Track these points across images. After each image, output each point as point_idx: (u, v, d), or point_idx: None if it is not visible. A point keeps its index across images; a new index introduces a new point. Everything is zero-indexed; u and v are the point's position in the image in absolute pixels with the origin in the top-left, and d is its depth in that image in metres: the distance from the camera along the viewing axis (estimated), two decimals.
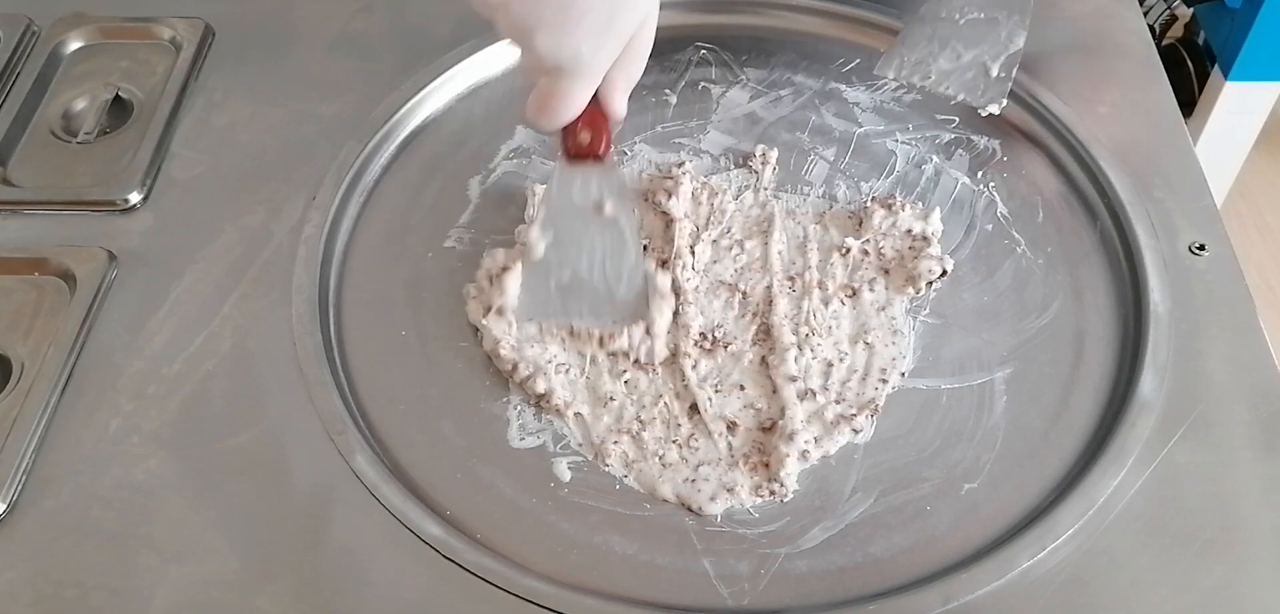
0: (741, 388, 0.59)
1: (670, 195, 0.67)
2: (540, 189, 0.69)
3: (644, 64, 0.54)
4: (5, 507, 0.54)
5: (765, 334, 0.61)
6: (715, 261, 0.65)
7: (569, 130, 0.54)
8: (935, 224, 0.66)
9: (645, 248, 0.65)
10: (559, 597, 0.50)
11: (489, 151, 0.72)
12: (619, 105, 0.54)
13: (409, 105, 0.74)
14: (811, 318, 0.62)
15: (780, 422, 0.57)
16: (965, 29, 0.72)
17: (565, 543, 0.53)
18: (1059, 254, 0.66)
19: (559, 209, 0.57)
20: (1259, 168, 1.69)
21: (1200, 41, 1.37)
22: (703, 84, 0.76)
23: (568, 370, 0.60)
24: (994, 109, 0.69)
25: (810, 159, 0.72)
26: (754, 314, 0.62)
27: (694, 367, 0.60)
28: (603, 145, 0.54)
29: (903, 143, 0.72)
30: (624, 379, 0.59)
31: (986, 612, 0.50)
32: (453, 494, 0.55)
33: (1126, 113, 0.73)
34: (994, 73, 0.70)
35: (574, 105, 0.52)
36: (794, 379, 0.59)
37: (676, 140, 0.73)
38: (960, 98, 0.70)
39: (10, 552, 0.52)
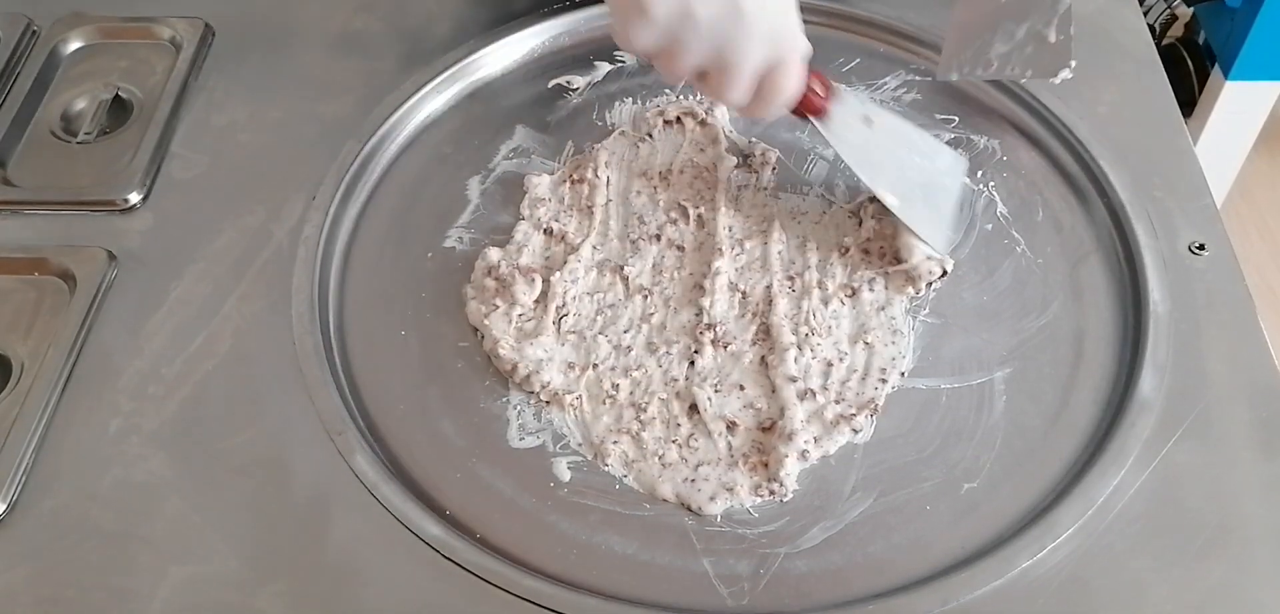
0: (741, 388, 0.59)
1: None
2: (537, 181, 0.69)
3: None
4: (5, 507, 0.54)
5: (765, 334, 0.61)
6: None
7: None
8: None
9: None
10: (559, 597, 0.50)
11: (489, 151, 0.72)
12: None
13: (409, 105, 0.74)
14: (811, 318, 0.62)
15: (780, 421, 0.57)
16: (1010, 5, 0.68)
17: (565, 543, 0.53)
18: (1059, 254, 0.66)
19: (863, 156, 0.64)
20: (1259, 168, 1.69)
21: (1200, 41, 1.37)
22: None
23: (572, 368, 0.60)
24: (1066, 74, 0.67)
25: (810, 159, 0.72)
26: (754, 314, 0.62)
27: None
28: (821, 98, 0.63)
29: None
30: (627, 376, 0.59)
31: (986, 612, 0.50)
32: (453, 494, 0.55)
33: (1126, 113, 0.73)
34: (1052, 37, 0.66)
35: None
36: (794, 379, 0.59)
37: None
38: (1028, 75, 0.68)
39: (10, 552, 0.52)
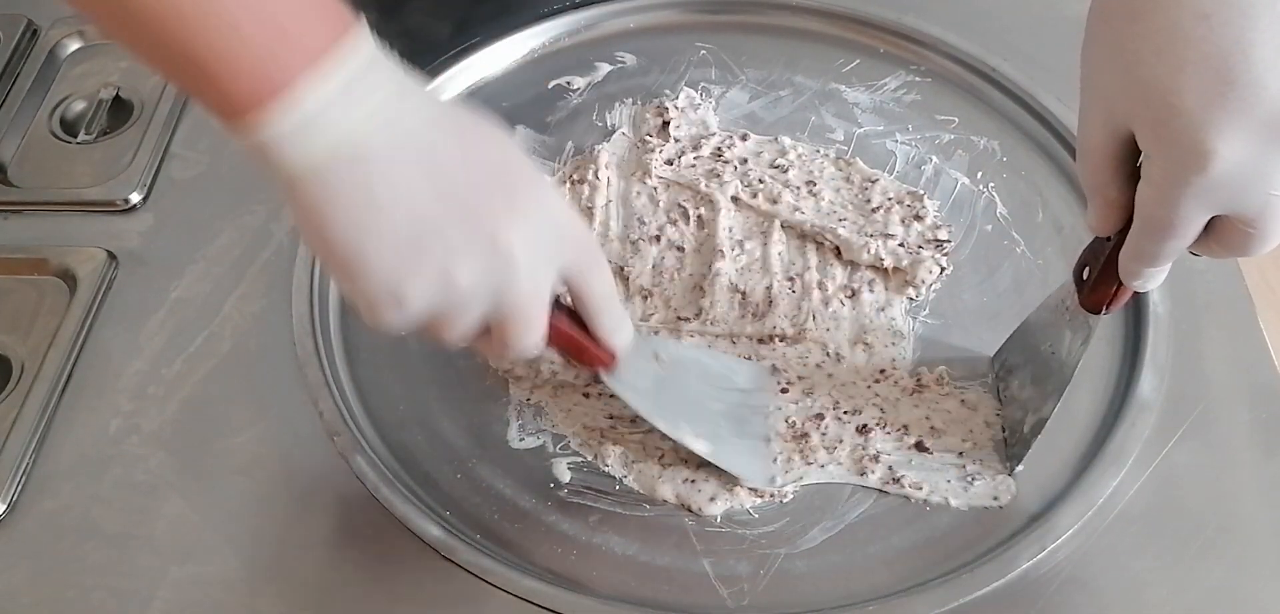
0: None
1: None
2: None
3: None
4: (5, 507, 0.54)
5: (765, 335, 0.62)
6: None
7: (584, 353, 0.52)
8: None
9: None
10: (559, 597, 0.50)
11: None
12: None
13: None
14: (811, 319, 0.62)
15: None
16: None
17: (565, 543, 0.53)
18: (1059, 254, 0.66)
19: (655, 403, 0.54)
20: None
21: None
22: (703, 84, 0.76)
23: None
24: None
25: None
26: (754, 315, 0.62)
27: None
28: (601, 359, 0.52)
29: (902, 143, 0.72)
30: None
31: (986, 612, 0.50)
32: (453, 494, 0.55)
33: None
34: None
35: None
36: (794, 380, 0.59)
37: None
38: None
39: (10, 552, 0.52)
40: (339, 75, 0.39)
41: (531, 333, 0.46)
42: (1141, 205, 0.45)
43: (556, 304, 0.49)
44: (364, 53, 0.40)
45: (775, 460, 0.56)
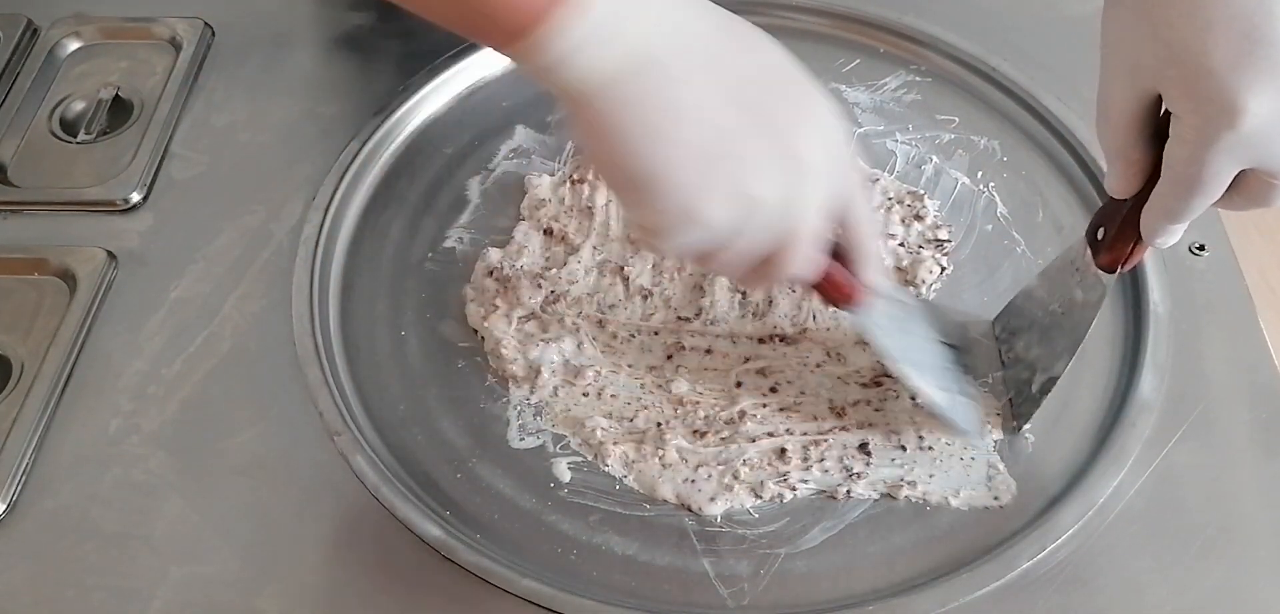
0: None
1: None
2: (538, 182, 0.69)
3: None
4: (5, 507, 0.54)
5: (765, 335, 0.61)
6: None
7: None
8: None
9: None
10: (559, 597, 0.50)
11: (489, 151, 0.72)
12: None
13: (409, 105, 0.74)
14: (811, 319, 0.62)
15: None
16: None
17: (565, 543, 0.53)
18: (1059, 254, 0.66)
19: (899, 346, 0.55)
20: None
21: None
22: None
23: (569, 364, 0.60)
24: None
25: None
26: (754, 315, 0.62)
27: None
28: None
29: (902, 143, 0.72)
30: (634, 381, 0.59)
31: (986, 612, 0.50)
32: (453, 494, 0.55)
33: None
34: None
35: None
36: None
37: None
38: None
39: (10, 552, 0.52)
40: None
41: (814, 253, 0.44)
42: (1171, 163, 0.45)
43: None
44: None
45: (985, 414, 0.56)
